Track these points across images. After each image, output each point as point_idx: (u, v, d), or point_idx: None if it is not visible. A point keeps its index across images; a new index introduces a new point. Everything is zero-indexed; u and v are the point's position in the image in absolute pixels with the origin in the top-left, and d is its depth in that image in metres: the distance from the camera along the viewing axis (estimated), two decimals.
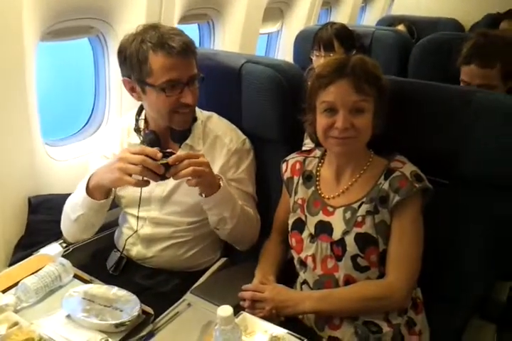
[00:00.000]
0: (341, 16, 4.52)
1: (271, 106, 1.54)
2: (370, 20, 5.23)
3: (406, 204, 1.24)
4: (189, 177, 1.31)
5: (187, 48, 1.37)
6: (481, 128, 1.27)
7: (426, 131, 1.36)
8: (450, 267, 1.38)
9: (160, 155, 1.24)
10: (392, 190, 1.24)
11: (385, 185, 1.26)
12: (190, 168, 1.26)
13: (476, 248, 1.36)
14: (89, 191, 1.39)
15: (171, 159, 1.25)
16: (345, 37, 2.41)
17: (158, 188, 1.51)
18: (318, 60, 2.40)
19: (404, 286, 1.24)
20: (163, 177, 1.27)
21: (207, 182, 1.35)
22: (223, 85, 1.63)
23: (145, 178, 1.28)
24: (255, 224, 1.56)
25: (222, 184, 1.40)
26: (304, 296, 1.30)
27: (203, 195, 1.39)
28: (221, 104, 1.66)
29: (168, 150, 1.32)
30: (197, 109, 1.57)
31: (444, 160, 1.35)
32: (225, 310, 0.98)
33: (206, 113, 1.60)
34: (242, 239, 1.56)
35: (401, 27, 3.63)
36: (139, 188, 1.45)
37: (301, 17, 3.75)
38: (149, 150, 1.26)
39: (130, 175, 1.26)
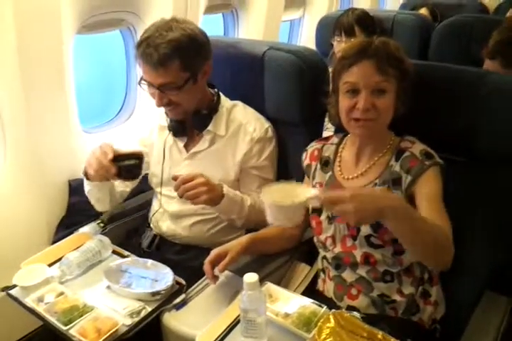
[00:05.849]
0: (363, 1, 4.47)
1: (292, 91, 1.59)
2: (393, 5, 5.16)
3: (421, 181, 1.24)
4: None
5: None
6: (497, 107, 1.30)
7: (443, 111, 1.38)
8: (467, 243, 1.37)
9: (110, 156, 1.35)
10: (404, 171, 1.26)
11: (397, 167, 1.28)
12: (185, 195, 1.37)
13: (492, 224, 1.38)
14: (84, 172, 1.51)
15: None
16: (366, 22, 2.44)
17: (183, 169, 1.60)
18: (339, 45, 2.44)
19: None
20: (125, 177, 1.43)
21: (207, 198, 1.40)
22: (247, 72, 1.68)
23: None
24: None
25: (225, 192, 1.46)
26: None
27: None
28: (246, 90, 1.71)
29: (136, 151, 1.44)
30: (223, 97, 1.64)
31: (461, 139, 1.37)
32: (251, 277, 1.07)
33: (231, 102, 1.66)
34: (259, 226, 1.57)
35: (424, 10, 3.59)
36: (162, 169, 1.64)
37: (323, 3, 3.77)
38: (103, 149, 1.37)
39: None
